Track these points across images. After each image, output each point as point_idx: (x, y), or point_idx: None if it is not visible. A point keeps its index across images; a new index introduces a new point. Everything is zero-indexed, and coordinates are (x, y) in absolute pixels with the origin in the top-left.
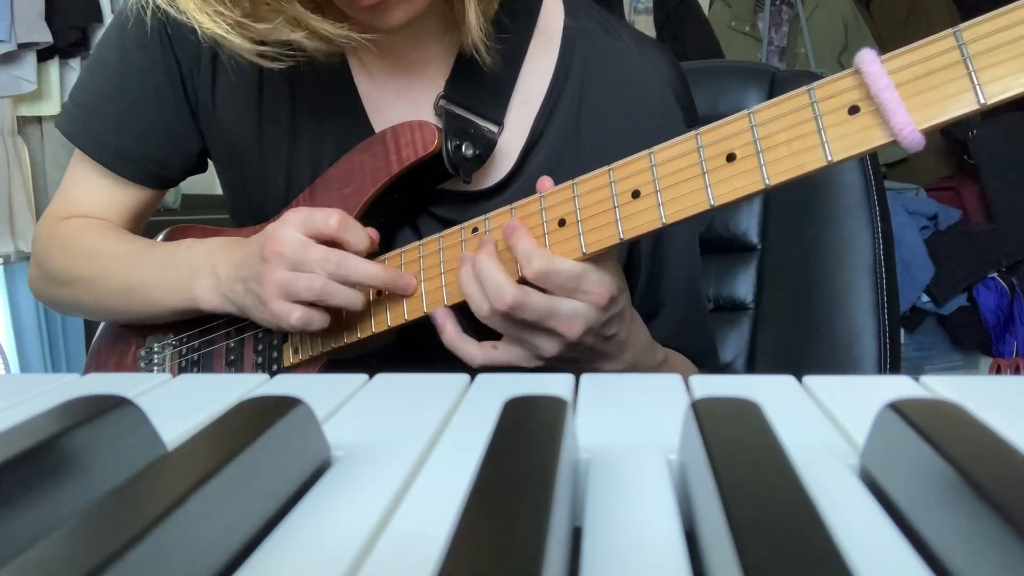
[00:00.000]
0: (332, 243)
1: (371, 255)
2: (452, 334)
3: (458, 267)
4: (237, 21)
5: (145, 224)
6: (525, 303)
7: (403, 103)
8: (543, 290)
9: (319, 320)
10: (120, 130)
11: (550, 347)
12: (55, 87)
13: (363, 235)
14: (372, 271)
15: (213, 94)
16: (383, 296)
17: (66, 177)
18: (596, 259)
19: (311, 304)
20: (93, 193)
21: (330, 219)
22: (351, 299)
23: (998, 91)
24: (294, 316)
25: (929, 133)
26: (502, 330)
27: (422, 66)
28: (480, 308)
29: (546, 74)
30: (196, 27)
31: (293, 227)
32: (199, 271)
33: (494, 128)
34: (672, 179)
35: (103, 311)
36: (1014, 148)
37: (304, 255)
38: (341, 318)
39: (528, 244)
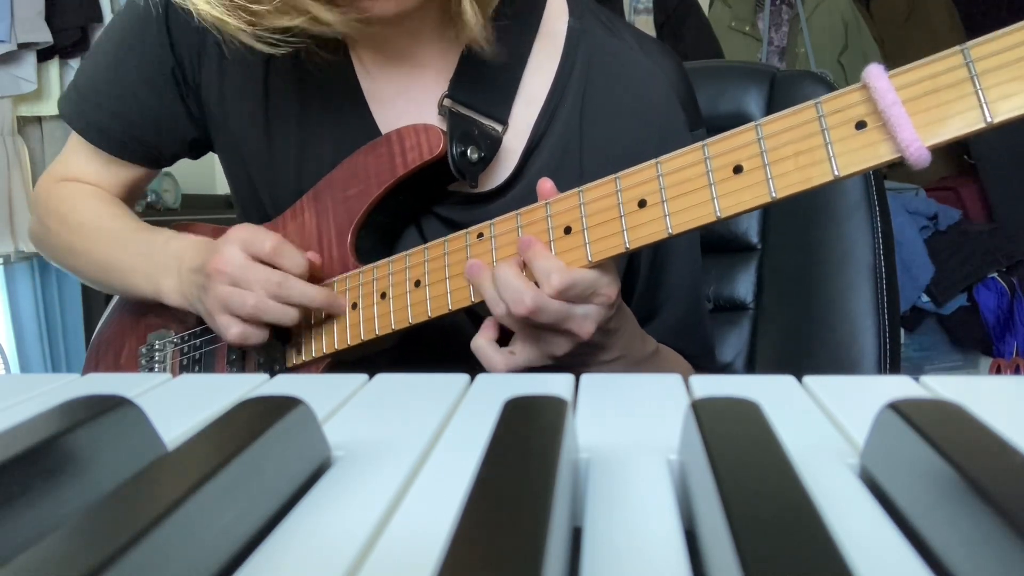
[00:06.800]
0: (273, 264)
1: (376, 256)
2: (484, 341)
3: (463, 272)
4: (236, 5)
5: (140, 196)
6: (543, 307)
7: (406, 100)
8: None
9: (256, 336)
10: (110, 113)
11: (562, 347)
12: (55, 87)
13: (299, 259)
14: (311, 293)
15: (221, 93)
16: (386, 299)
17: (67, 143)
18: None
19: (247, 320)
20: (87, 164)
21: (265, 244)
22: (285, 316)
23: (1005, 109)
24: (231, 332)
25: (935, 149)
26: (518, 331)
27: (423, 64)
28: (497, 309)
29: (549, 74)
30: (193, 11)
31: (236, 246)
32: (167, 268)
33: (498, 127)
34: (678, 189)
35: (88, 279)
36: (1014, 148)
37: (244, 273)
38: (345, 320)
39: (545, 262)
